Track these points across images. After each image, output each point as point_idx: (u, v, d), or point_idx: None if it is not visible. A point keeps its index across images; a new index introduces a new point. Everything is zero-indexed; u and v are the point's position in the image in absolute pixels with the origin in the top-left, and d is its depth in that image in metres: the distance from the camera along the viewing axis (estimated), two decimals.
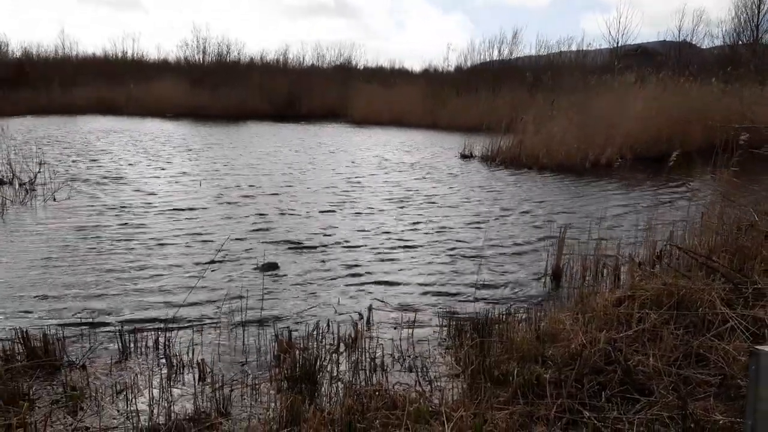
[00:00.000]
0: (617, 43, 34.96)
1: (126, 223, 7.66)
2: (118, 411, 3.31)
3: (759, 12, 29.86)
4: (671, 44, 36.04)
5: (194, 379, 3.69)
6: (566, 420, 2.99)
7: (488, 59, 32.32)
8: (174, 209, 8.62)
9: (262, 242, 6.71)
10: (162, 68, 35.90)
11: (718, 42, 33.38)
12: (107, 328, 4.41)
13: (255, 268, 5.97)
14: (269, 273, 5.84)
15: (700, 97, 16.62)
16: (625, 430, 2.88)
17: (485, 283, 5.62)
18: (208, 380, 3.65)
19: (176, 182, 10.97)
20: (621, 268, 5.54)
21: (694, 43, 35.31)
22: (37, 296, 5.04)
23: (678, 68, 20.78)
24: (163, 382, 3.62)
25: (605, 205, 9.45)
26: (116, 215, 8.09)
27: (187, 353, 4.01)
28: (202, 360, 3.81)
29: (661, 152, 14.32)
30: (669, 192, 10.93)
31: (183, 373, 3.78)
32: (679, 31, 35.31)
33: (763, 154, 6.67)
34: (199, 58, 35.85)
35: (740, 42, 30.11)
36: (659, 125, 15.10)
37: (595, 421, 2.95)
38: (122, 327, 4.26)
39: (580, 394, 3.20)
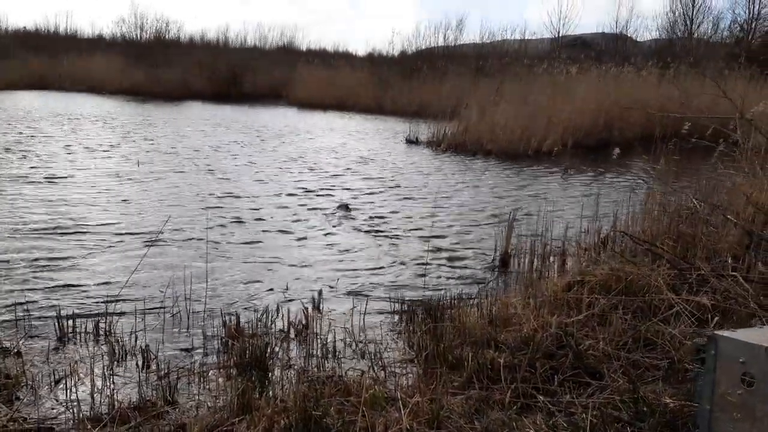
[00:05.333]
0: (558, 33, 35.61)
1: (61, 207, 7.33)
2: (57, 400, 3.15)
3: (693, 6, 30.87)
4: (609, 36, 36.95)
5: (138, 366, 3.54)
6: (521, 404, 2.99)
7: (433, 45, 32.44)
8: (111, 191, 8.32)
9: (205, 224, 6.52)
10: (97, 44, 34.64)
11: (654, 34, 34.43)
12: (43, 313, 4.20)
13: (331, 209, 7.72)
14: (343, 213, 7.55)
15: (638, 87, 17.07)
16: (578, 414, 2.90)
17: (435, 268, 5.62)
18: (153, 367, 3.51)
19: (112, 163, 10.58)
20: (567, 253, 5.62)
21: (630, 35, 36.30)
22: None
23: (616, 59, 21.29)
24: (105, 369, 3.46)
25: (549, 191, 9.60)
26: (51, 198, 7.74)
27: (130, 339, 3.85)
28: (146, 346, 3.66)
29: (601, 140, 14.71)
30: (610, 179, 11.19)
31: (126, 361, 3.63)
32: (617, 23, 36.25)
33: (700, 143, 6.86)
34: (136, 35, 34.72)
35: (675, 35, 31.10)
36: (598, 114, 15.45)
37: (549, 405, 2.97)
38: (59, 312, 4.05)
39: (534, 379, 3.21)
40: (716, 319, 3.66)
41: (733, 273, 4.10)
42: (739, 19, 30.67)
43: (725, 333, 2.08)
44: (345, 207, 7.96)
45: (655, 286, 4.06)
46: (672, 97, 14.86)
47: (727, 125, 6.76)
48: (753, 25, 29.73)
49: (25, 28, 37.04)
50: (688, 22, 31.25)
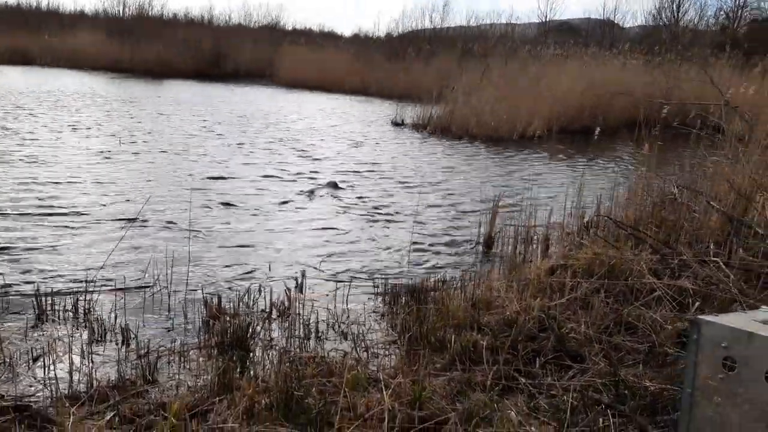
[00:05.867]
0: (545, 17, 35.57)
1: (41, 185, 7.21)
2: (35, 378, 3.11)
3: None
4: (596, 22, 37.01)
5: (117, 344, 3.51)
6: (502, 386, 2.99)
7: (420, 27, 32.28)
8: (93, 167, 8.20)
9: (188, 205, 6.45)
10: (79, 20, 34.11)
11: (639, 21, 34.56)
12: (22, 290, 4.14)
13: (320, 186, 7.89)
14: (331, 190, 7.72)
15: (624, 73, 17.09)
16: (559, 396, 2.91)
17: (419, 251, 5.61)
18: (133, 346, 3.48)
19: (94, 141, 10.42)
20: (551, 237, 5.63)
21: (617, 22, 36.37)
22: None
23: (603, 45, 21.31)
24: (84, 348, 3.42)
25: (533, 175, 9.61)
26: (30, 176, 7.62)
27: (110, 318, 3.80)
28: (126, 325, 3.62)
29: (586, 125, 14.72)
30: (594, 164, 11.22)
31: (105, 339, 3.58)
32: (604, 9, 36.33)
33: (683, 130, 6.89)
34: (118, 11, 34.26)
35: (661, 22, 31.17)
36: (584, 99, 15.45)
37: (531, 387, 2.98)
38: (38, 289, 3.99)
39: (516, 361, 3.22)
40: (697, 304, 3.69)
41: (715, 259, 4.13)
42: (725, 6, 30.82)
43: (708, 317, 2.09)
44: (334, 185, 8.04)
45: (637, 271, 4.08)
46: (657, 83, 14.91)
47: (712, 112, 6.79)
48: (739, 13, 29.87)
49: (6, 2, 36.38)
50: (674, 9, 31.31)
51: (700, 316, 2.12)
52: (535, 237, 5.72)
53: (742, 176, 5.46)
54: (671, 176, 6.42)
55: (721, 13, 30.89)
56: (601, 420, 2.68)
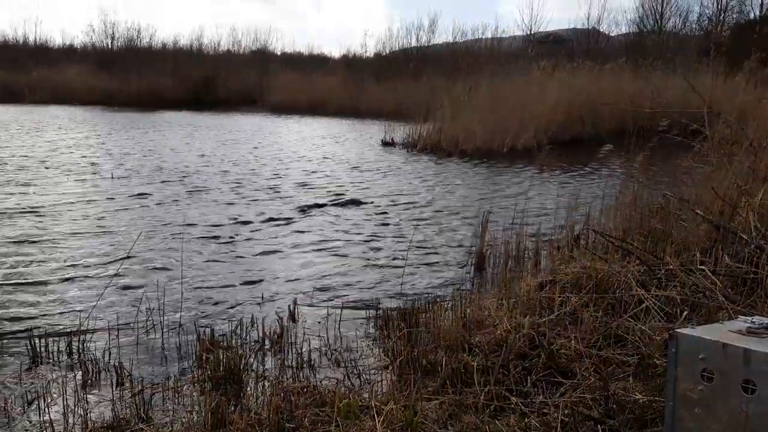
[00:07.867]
0: (530, 30, 35.86)
1: (31, 220, 7.24)
2: (30, 422, 3.12)
3: (663, 1, 31.23)
4: (581, 31, 37.27)
5: (112, 384, 3.52)
6: (494, 407, 3.01)
7: (407, 46, 32.55)
8: (85, 205, 8.24)
9: (179, 239, 6.48)
10: (68, 54, 34.36)
11: (622, 29, 34.81)
12: (15, 334, 4.16)
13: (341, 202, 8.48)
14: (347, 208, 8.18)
15: (609, 83, 17.24)
16: (550, 414, 2.93)
17: (410, 272, 5.63)
18: (127, 385, 3.49)
19: (85, 176, 10.48)
20: (541, 252, 5.66)
21: (602, 30, 36.64)
22: None
23: (588, 55, 21.49)
24: (78, 388, 3.44)
25: (524, 189, 9.66)
26: (19, 213, 7.65)
27: (103, 357, 3.82)
28: (120, 363, 3.64)
29: (574, 136, 14.84)
30: (583, 175, 11.29)
31: (99, 379, 3.60)
32: (588, 19, 36.61)
33: (672, 138, 6.94)
34: (107, 44, 34.55)
35: (645, 30, 31.44)
36: (571, 110, 15.58)
37: (522, 407, 2.99)
38: (32, 332, 4.01)
39: (507, 381, 3.24)
40: (685, 313, 3.72)
41: (701, 267, 4.16)
42: (707, 11, 31.11)
43: (684, 330, 2.12)
44: (356, 202, 8.63)
45: (625, 283, 4.11)
46: (644, 92, 15.04)
47: (699, 118, 6.85)
48: (721, 17, 30.16)
49: None
50: (657, 17, 31.58)
51: (677, 330, 2.15)
52: (526, 253, 5.76)
53: (727, 182, 5.52)
54: (659, 185, 6.47)
55: (704, 18, 31.18)
56: None
